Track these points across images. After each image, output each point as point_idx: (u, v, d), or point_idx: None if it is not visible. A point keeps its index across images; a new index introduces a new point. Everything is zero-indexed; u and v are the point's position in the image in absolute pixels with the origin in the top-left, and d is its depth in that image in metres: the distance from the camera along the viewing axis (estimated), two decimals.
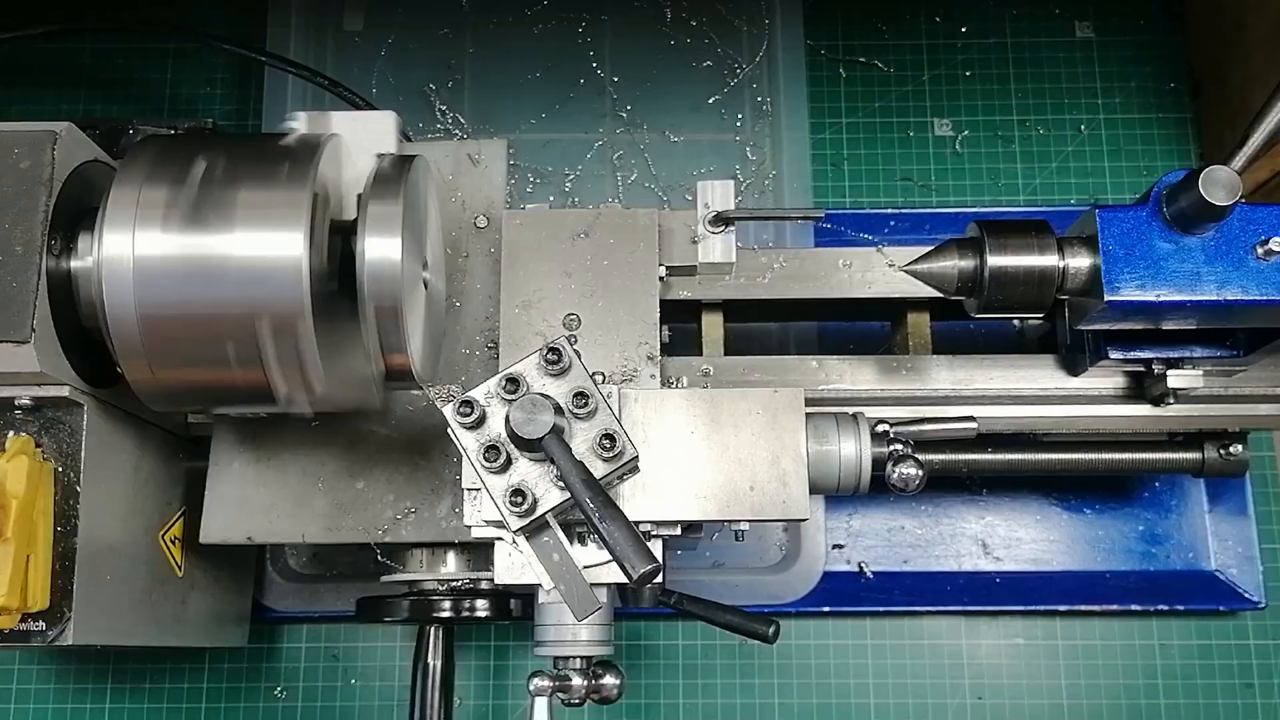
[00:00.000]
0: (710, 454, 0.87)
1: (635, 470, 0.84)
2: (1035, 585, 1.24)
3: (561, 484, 0.78)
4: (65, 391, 0.84)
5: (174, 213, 0.80)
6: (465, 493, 0.87)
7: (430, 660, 1.04)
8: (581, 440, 0.80)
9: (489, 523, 0.85)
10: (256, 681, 1.24)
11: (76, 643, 0.85)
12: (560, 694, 0.86)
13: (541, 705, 0.83)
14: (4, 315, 0.80)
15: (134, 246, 0.79)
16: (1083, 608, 1.22)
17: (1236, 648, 1.23)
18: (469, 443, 0.79)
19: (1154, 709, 1.22)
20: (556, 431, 0.77)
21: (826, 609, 1.23)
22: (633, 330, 0.93)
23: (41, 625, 0.84)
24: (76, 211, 0.85)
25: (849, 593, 1.23)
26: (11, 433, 0.85)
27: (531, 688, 0.83)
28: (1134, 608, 1.22)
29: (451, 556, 1.01)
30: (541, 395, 0.78)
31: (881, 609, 1.23)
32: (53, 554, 0.85)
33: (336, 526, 0.95)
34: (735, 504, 0.87)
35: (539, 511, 0.78)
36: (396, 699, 1.23)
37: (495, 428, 0.79)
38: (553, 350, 0.80)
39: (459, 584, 1.00)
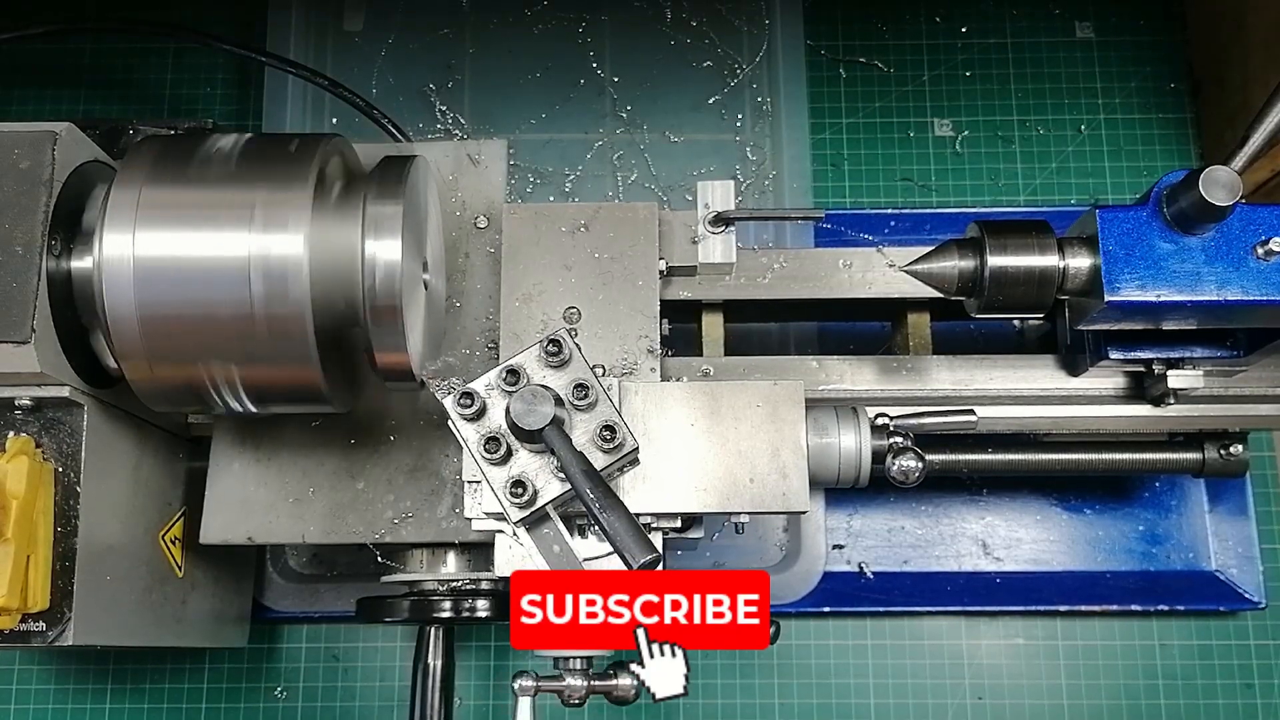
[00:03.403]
0: (710, 446, 0.87)
1: (636, 462, 0.84)
2: (1035, 585, 1.24)
3: (562, 475, 0.77)
4: (65, 392, 0.84)
5: (174, 213, 0.80)
6: (466, 485, 0.87)
7: (430, 660, 1.04)
8: (582, 432, 0.79)
9: (490, 515, 0.85)
10: (256, 681, 1.24)
11: (76, 643, 0.85)
12: (558, 694, 0.85)
13: (525, 705, 0.83)
14: (4, 315, 0.80)
15: (134, 246, 0.79)
16: (1083, 608, 1.22)
17: (1236, 648, 1.23)
18: (469, 434, 0.79)
19: (1154, 709, 1.22)
20: (557, 423, 0.77)
21: (826, 609, 1.22)
22: (633, 323, 0.93)
23: (41, 625, 0.84)
24: (76, 211, 0.85)
25: (849, 593, 1.23)
26: (11, 433, 0.85)
27: (516, 687, 0.83)
28: (1134, 608, 1.22)
29: (451, 557, 1.01)
30: (542, 387, 0.78)
31: (881, 609, 1.23)
32: (53, 554, 0.85)
33: (336, 527, 0.95)
34: (735, 496, 0.87)
35: (539, 503, 0.79)
36: (396, 699, 1.23)
37: (496, 419, 0.79)
38: (553, 342, 0.80)
39: (459, 584, 1.00)
